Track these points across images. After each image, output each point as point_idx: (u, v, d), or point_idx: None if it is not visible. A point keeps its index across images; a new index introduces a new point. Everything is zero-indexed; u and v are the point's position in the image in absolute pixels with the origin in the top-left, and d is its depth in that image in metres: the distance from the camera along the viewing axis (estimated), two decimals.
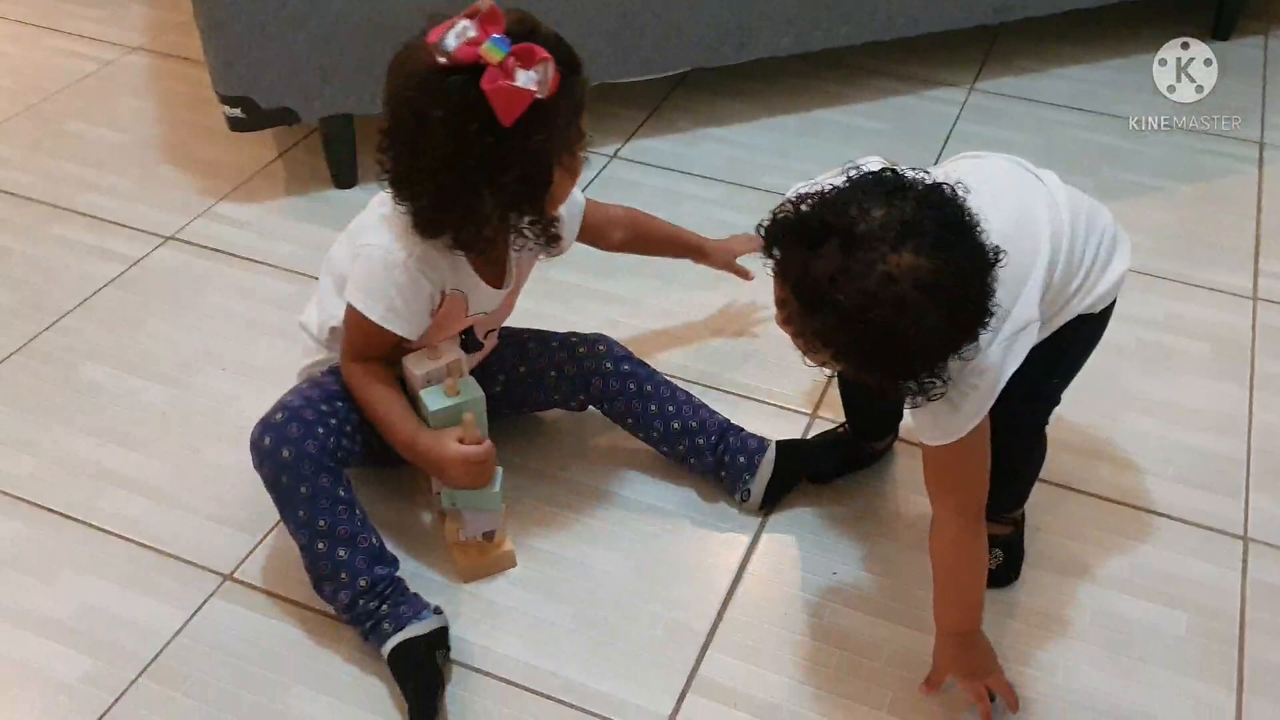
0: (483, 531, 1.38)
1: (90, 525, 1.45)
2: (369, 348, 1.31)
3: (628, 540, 1.44)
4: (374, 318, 1.26)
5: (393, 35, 1.90)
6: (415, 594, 1.30)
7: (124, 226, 1.97)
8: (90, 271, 1.86)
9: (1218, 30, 2.55)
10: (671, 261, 1.72)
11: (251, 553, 1.41)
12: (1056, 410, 1.33)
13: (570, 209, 1.40)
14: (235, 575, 1.39)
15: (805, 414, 1.62)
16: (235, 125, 1.93)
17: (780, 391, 1.66)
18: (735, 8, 2.10)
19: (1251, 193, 2.09)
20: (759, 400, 1.65)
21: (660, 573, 1.40)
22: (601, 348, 1.50)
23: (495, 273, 1.33)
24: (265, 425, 1.29)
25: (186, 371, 1.67)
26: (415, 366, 1.32)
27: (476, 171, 1.15)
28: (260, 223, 1.98)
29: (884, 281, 0.93)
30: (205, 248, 1.92)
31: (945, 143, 2.19)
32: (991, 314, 1.00)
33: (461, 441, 1.28)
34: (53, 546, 1.42)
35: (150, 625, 1.33)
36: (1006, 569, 1.39)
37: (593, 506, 1.48)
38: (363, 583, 1.26)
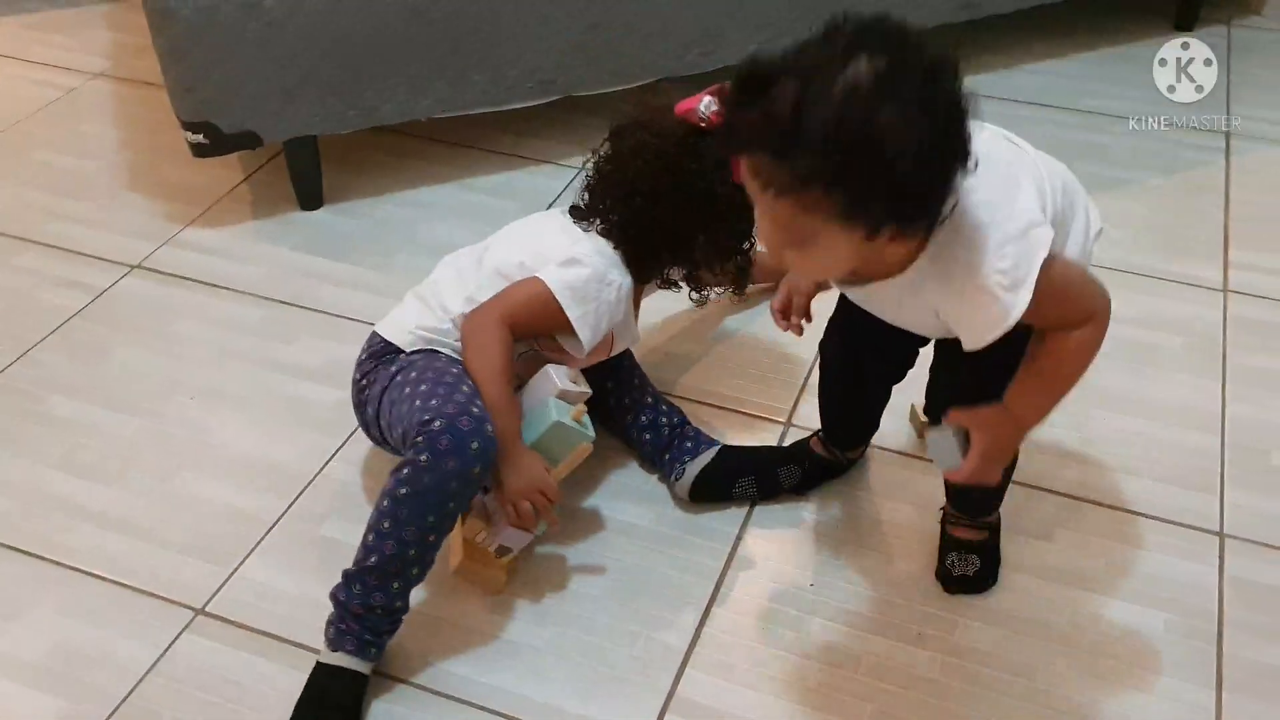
0: (503, 545, 1.37)
1: (59, 563, 1.43)
2: (528, 325, 1.37)
3: (604, 559, 1.43)
4: (571, 314, 1.35)
5: (353, 57, 1.91)
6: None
7: (91, 256, 1.95)
8: (58, 303, 1.85)
9: (1180, 22, 2.56)
10: None
11: (224, 585, 1.40)
12: None
13: None
14: (207, 609, 1.37)
15: (780, 423, 1.62)
16: (198, 151, 1.91)
17: (755, 401, 1.65)
18: (702, 17, 2.10)
19: (1219, 183, 2.10)
20: (733, 410, 1.64)
21: (637, 592, 1.39)
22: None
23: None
24: (476, 420, 1.25)
25: (156, 401, 1.66)
26: (559, 378, 1.36)
27: (704, 218, 1.38)
28: (227, 247, 1.97)
29: (848, 93, 0.87)
30: (172, 275, 1.91)
31: None
32: (970, 112, 0.92)
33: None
34: (21, 585, 1.40)
35: (122, 663, 1.31)
36: (983, 574, 1.39)
37: (569, 526, 1.47)
38: (398, 604, 1.26)
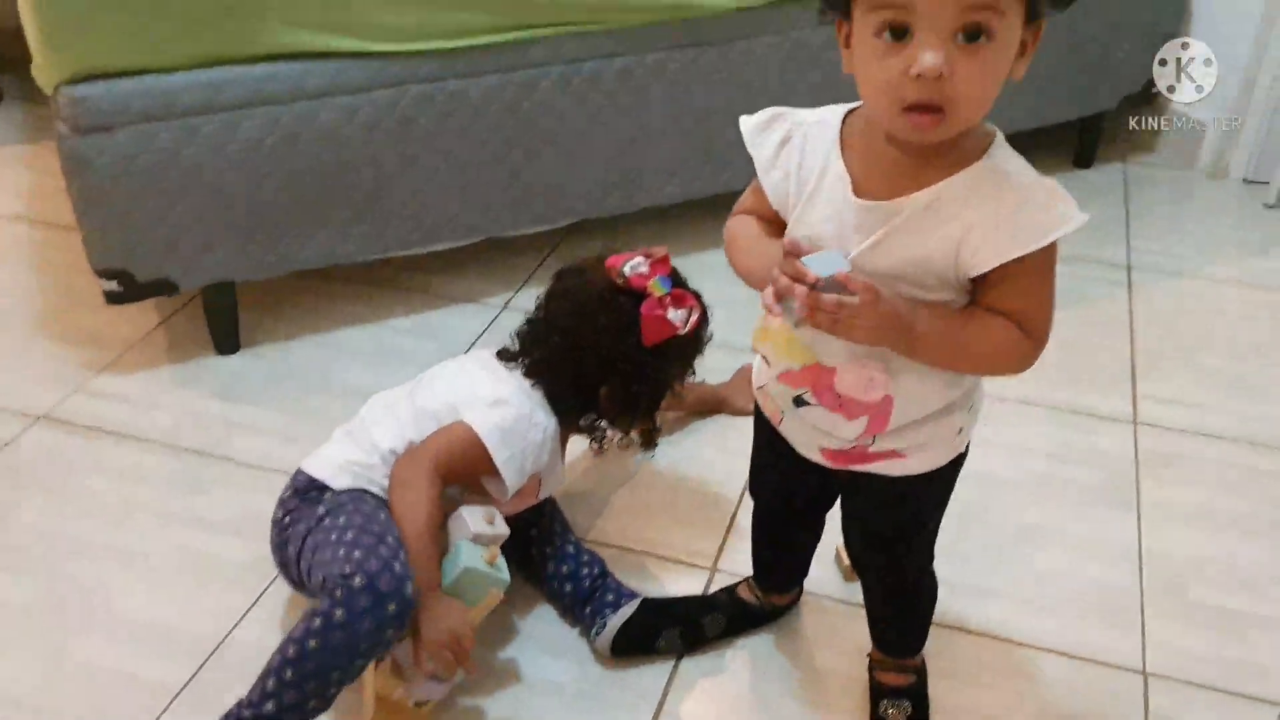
0: (419, 699, 1.32)
1: None
2: (459, 472, 1.37)
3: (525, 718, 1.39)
4: (498, 457, 1.36)
5: (273, 204, 1.91)
6: None
7: None
8: None
9: (1079, 159, 2.67)
10: None
11: None
12: (945, 547, 1.32)
13: None
14: None
15: (705, 568, 1.60)
16: (112, 299, 1.88)
17: (679, 545, 1.64)
18: (620, 161, 2.14)
19: (1124, 316, 2.17)
20: (656, 554, 1.62)
21: None
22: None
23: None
24: (397, 580, 1.22)
25: (55, 563, 1.59)
26: (472, 521, 1.34)
27: (606, 372, 1.44)
28: (140, 395, 1.93)
29: None
30: (81, 425, 1.86)
31: None
32: None
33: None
34: None
35: None
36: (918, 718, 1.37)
37: (487, 681, 1.43)
38: None
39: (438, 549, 1.32)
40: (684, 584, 1.57)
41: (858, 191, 1.02)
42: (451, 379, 1.47)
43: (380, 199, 1.97)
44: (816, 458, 1.19)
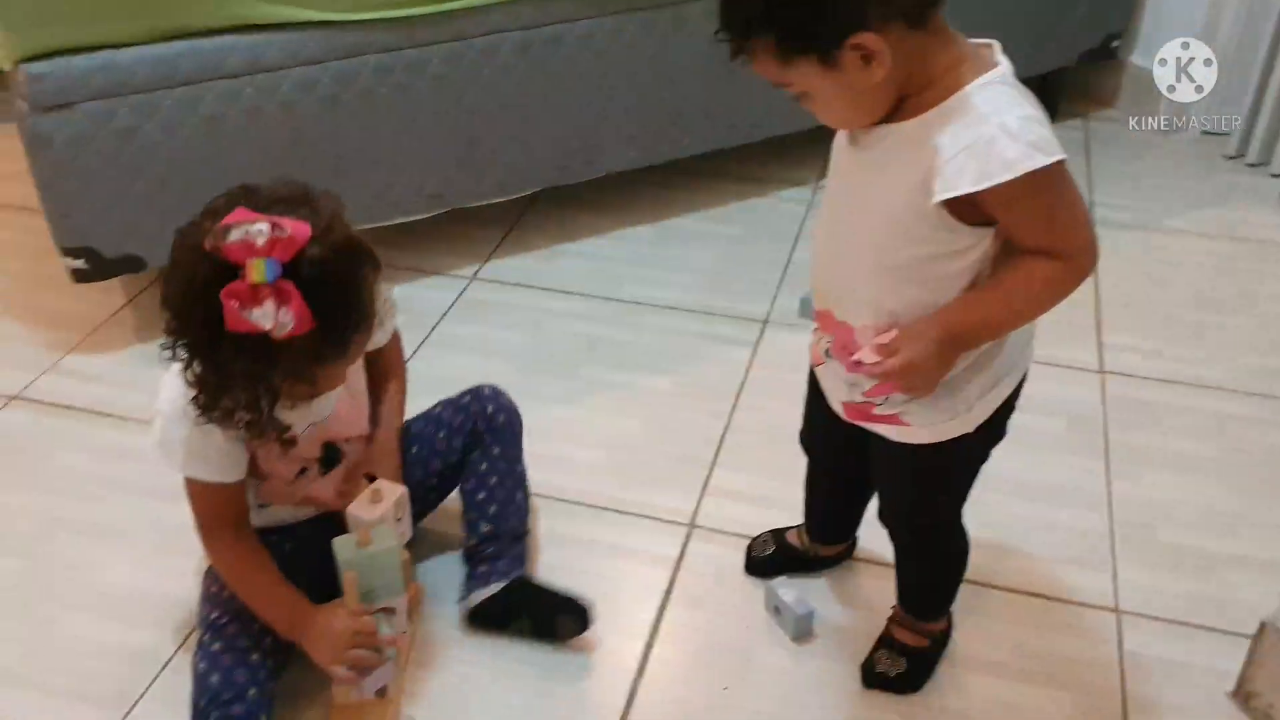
0: (376, 689, 1.32)
1: None
2: (209, 505, 1.30)
3: (508, 688, 1.40)
4: (175, 469, 1.27)
5: (233, 180, 1.89)
6: None
7: None
8: None
9: None
10: (539, 378, 1.71)
11: None
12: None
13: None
14: None
15: (684, 525, 1.62)
16: (79, 277, 1.87)
17: (659, 504, 1.65)
18: (580, 127, 2.14)
19: None
20: (635, 514, 1.64)
21: (544, 707, 1.37)
22: (486, 391, 1.54)
23: (303, 390, 1.22)
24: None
25: (35, 541, 1.59)
26: (363, 512, 1.30)
27: (182, 345, 1.14)
28: (110, 374, 1.92)
29: None
30: (53, 404, 1.85)
31: (795, 242, 2.25)
32: None
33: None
34: None
35: None
36: (905, 679, 1.39)
37: (470, 653, 1.44)
38: None
39: (274, 590, 1.30)
40: (661, 541, 1.58)
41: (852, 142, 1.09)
42: None
43: (343, 172, 1.96)
44: (838, 409, 1.21)
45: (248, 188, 1.17)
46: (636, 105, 2.17)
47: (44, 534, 1.60)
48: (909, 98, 1.01)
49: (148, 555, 1.56)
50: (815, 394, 1.29)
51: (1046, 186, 0.99)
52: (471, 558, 1.48)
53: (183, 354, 1.15)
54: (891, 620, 1.43)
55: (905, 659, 1.39)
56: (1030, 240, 1.02)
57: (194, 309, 1.10)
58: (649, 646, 1.44)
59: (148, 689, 1.38)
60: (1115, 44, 2.64)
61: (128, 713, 1.35)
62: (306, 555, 1.37)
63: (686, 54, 2.15)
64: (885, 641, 1.41)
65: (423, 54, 1.94)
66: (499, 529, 1.48)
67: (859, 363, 1.09)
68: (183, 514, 1.53)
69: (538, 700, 1.37)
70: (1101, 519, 1.63)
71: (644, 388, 1.88)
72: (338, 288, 1.13)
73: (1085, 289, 2.09)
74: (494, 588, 1.44)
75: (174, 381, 1.23)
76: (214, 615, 1.32)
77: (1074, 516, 1.63)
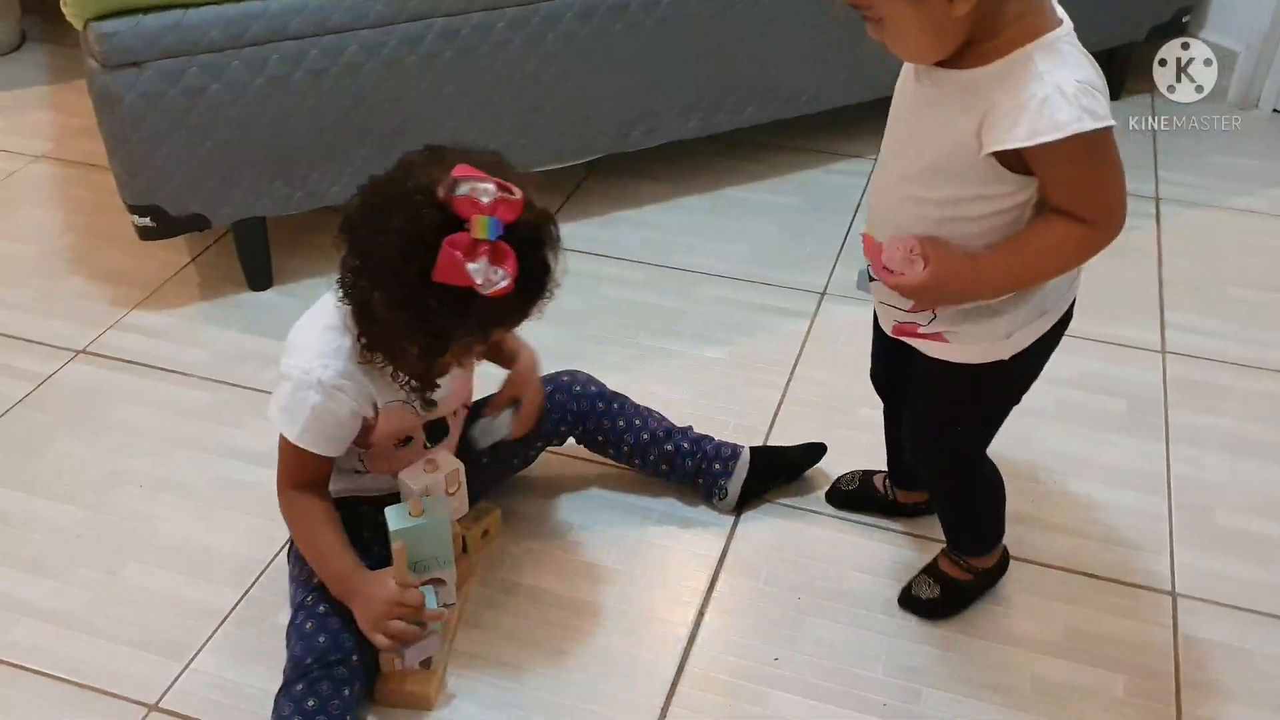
0: (420, 660, 1.33)
1: (2, 661, 1.39)
2: (300, 470, 1.30)
3: (560, 640, 1.42)
4: (291, 437, 1.25)
5: (298, 142, 1.91)
6: None
7: (32, 343, 1.92)
8: None
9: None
10: (593, 345, 1.72)
11: (177, 680, 1.36)
12: None
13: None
14: (160, 705, 1.33)
15: None
16: (145, 234, 1.90)
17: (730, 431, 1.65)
18: (641, 95, 2.13)
19: (1151, 248, 2.16)
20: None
21: (597, 672, 1.38)
22: (565, 378, 1.58)
23: (476, 349, 1.28)
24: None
25: (100, 492, 1.63)
26: (412, 481, 1.31)
27: (379, 288, 1.16)
28: (174, 331, 1.95)
29: None
30: (118, 360, 1.88)
31: (854, 214, 2.23)
32: None
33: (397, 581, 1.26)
34: None
35: None
36: (938, 604, 1.44)
37: (521, 605, 1.46)
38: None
39: (335, 548, 1.30)
40: (715, 511, 1.59)
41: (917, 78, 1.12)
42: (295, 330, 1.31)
43: (404, 135, 1.96)
44: (888, 329, 1.25)
45: (432, 148, 1.20)
46: (697, 75, 2.15)
47: (108, 485, 1.64)
48: (973, 44, 1.04)
49: (208, 510, 1.59)
50: (877, 330, 1.34)
51: (1089, 151, 1.02)
52: (696, 473, 1.56)
53: (363, 294, 1.17)
54: (941, 553, 1.46)
55: (940, 586, 1.43)
56: (1061, 199, 1.07)
57: (413, 252, 1.11)
58: (700, 614, 1.45)
59: (207, 641, 1.41)
60: (1185, 19, 2.58)
61: (188, 663, 1.38)
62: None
63: (747, 24, 2.13)
64: (929, 569, 1.46)
65: (488, 18, 1.94)
66: (694, 443, 1.57)
67: (887, 269, 1.14)
68: (243, 471, 1.56)
69: (591, 663, 1.39)
70: (1160, 501, 1.61)
71: (699, 357, 1.88)
72: (542, 255, 1.17)
73: (1148, 267, 2.09)
74: (741, 474, 1.55)
75: (308, 346, 1.25)
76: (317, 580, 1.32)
77: (1132, 498, 1.62)
